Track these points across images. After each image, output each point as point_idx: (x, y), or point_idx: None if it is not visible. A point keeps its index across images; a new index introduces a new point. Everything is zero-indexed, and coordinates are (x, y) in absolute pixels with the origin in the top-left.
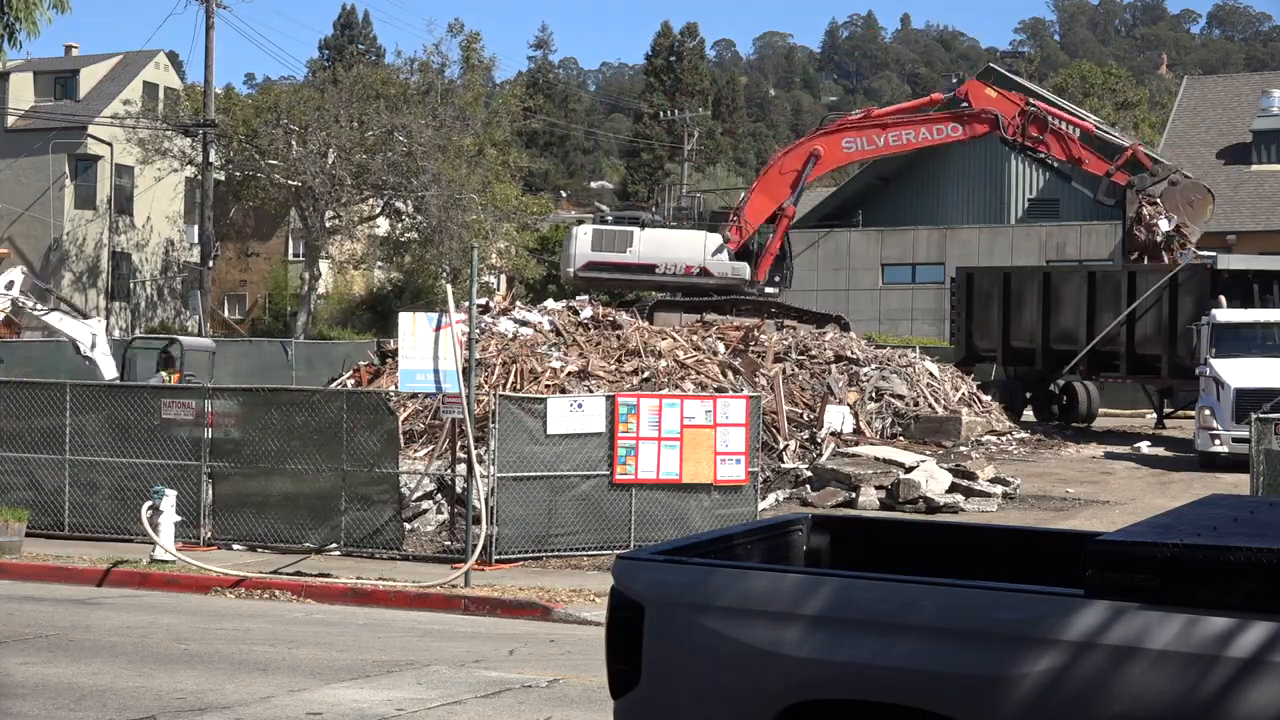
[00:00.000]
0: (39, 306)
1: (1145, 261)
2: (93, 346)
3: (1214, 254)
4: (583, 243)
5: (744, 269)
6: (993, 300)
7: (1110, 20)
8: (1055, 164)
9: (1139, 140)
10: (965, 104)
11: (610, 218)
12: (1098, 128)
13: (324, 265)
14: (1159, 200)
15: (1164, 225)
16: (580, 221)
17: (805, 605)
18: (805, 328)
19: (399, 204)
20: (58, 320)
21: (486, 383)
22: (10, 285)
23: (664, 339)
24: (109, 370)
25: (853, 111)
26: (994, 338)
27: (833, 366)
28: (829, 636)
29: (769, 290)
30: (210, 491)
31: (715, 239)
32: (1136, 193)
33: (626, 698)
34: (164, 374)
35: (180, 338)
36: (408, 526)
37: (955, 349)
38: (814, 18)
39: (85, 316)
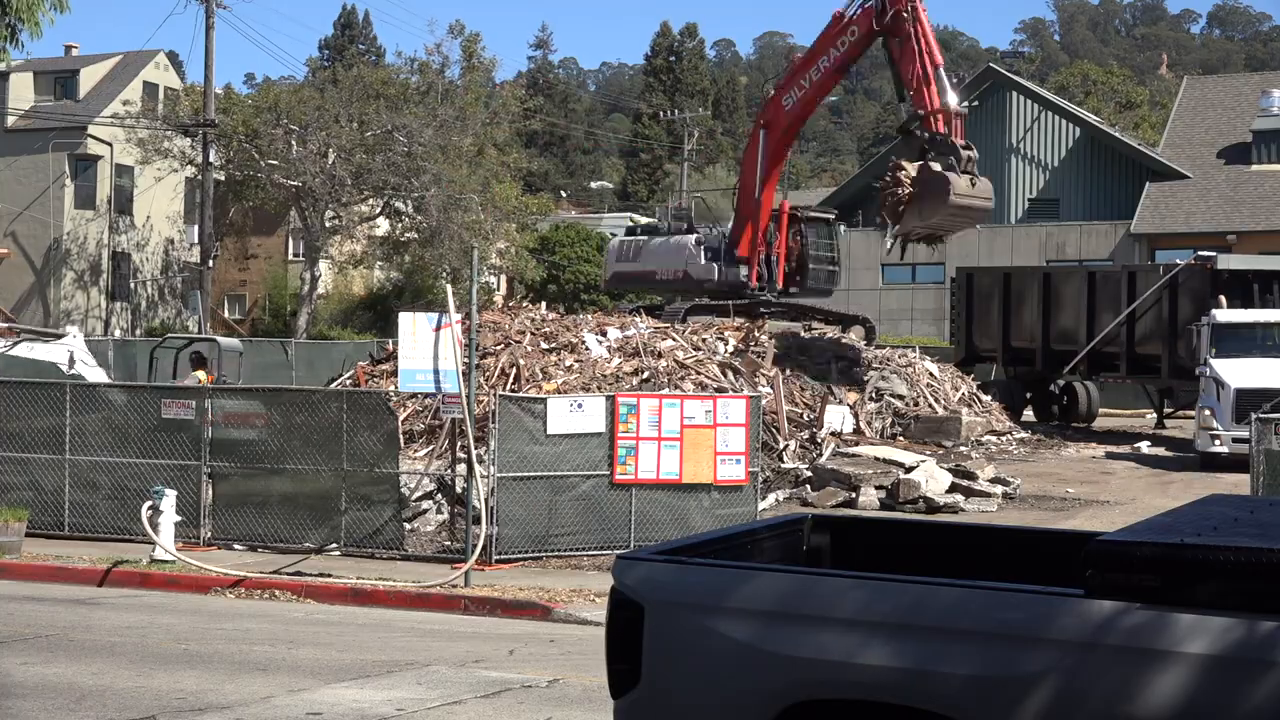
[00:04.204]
0: (3, 343)
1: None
2: (71, 364)
3: (1214, 254)
4: (610, 254)
5: (714, 270)
6: (993, 300)
7: (1110, 20)
8: (894, 74)
9: (965, 107)
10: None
11: (640, 228)
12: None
13: (324, 265)
14: (911, 170)
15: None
16: (614, 230)
17: (805, 605)
18: (831, 329)
19: (399, 204)
20: (28, 350)
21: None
22: None
23: (664, 339)
24: (97, 378)
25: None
26: (994, 338)
27: (833, 367)
28: (829, 636)
29: (793, 291)
30: (210, 491)
31: (691, 241)
32: (914, 138)
33: (626, 698)
34: (200, 375)
35: (218, 338)
36: (408, 526)
37: (955, 349)
38: (814, 18)
39: (58, 336)
